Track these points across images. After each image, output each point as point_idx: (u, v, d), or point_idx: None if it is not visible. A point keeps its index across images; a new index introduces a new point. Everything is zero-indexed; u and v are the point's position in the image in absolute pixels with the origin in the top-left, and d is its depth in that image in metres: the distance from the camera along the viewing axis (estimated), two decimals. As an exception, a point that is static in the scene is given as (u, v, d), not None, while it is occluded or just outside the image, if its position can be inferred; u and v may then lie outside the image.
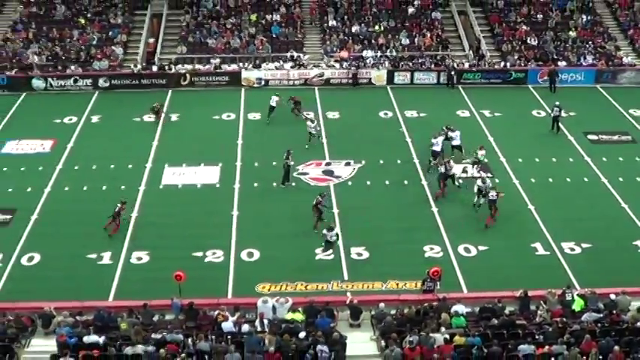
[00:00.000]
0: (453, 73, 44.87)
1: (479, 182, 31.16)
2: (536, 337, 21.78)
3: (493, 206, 30.10)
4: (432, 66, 45.97)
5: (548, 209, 31.19)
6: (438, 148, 34.16)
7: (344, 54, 46.41)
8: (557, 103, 38.64)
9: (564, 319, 22.78)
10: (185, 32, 48.30)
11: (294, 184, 33.27)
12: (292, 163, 33.17)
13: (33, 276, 27.07)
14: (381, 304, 23.79)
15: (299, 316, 23.21)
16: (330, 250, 28.04)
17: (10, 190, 32.87)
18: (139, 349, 20.81)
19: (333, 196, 32.40)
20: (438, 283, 25.29)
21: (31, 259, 28.08)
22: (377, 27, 48.75)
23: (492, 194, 30.12)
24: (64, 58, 45.83)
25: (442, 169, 32.34)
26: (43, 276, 26.95)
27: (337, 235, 28.07)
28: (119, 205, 29.69)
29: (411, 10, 50.35)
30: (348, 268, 27.59)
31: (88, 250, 28.31)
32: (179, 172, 34.32)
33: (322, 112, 41.05)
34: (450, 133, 35.10)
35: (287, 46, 47.48)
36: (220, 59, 46.14)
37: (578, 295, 24.46)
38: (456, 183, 32.60)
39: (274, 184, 33.27)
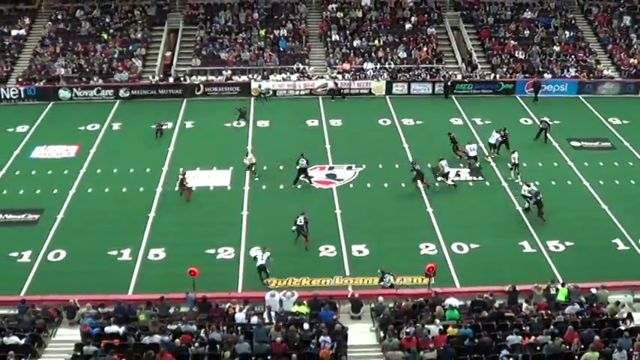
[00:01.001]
0: (449, 84, 44.84)
1: (526, 188, 30.85)
2: (523, 328, 21.69)
3: (541, 205, 30.25)
4: (428, 77, 46.02)
5: (535, 210, 31.04)
6: (474, 153, 34.87)
7: (346, 66, 46.40)
8: (546, 118, 38.51)
9: (549, 312, 22.74)
10: (199, 46, 48.32)
11: (299, 186, 33.24)
12: (298, 166, 33.04)
13: (59, 271, 27.13)
14: (380, 298, 23.72)
15: (304, 309, 23.17)
16: (265, 274, 26.04)
17: (38, 191, 32.92)
18: (156, 338, 20.76)
19: (336, 197, 32.38)
20: (433, 278, 25.25)
21: (57, 255, 28.15)
22: (376, 41, 48.68)
23: (539, 196, 30.31)
24: (88, 70, 45.96)
25: (417, 166, 32.72)
26: (68, 271, 27.01)
27: (268, 257, 26.12)
28: (180, 176, 31.94)
29: (408, 26, 50.30)
30: (350, 264, 27.57)
31: (110, 247, 28.37)
32: (193, 175, 34.19)
33: (326, 120, 41.05)
34: (467, 146, 35.33)
35: (293, 58, 47.42)
36: (231, 71, 46.14)
37: (561, 285, 24.44)
38: (449, 182, 32.64)
39: (281, 186, 33.24)
